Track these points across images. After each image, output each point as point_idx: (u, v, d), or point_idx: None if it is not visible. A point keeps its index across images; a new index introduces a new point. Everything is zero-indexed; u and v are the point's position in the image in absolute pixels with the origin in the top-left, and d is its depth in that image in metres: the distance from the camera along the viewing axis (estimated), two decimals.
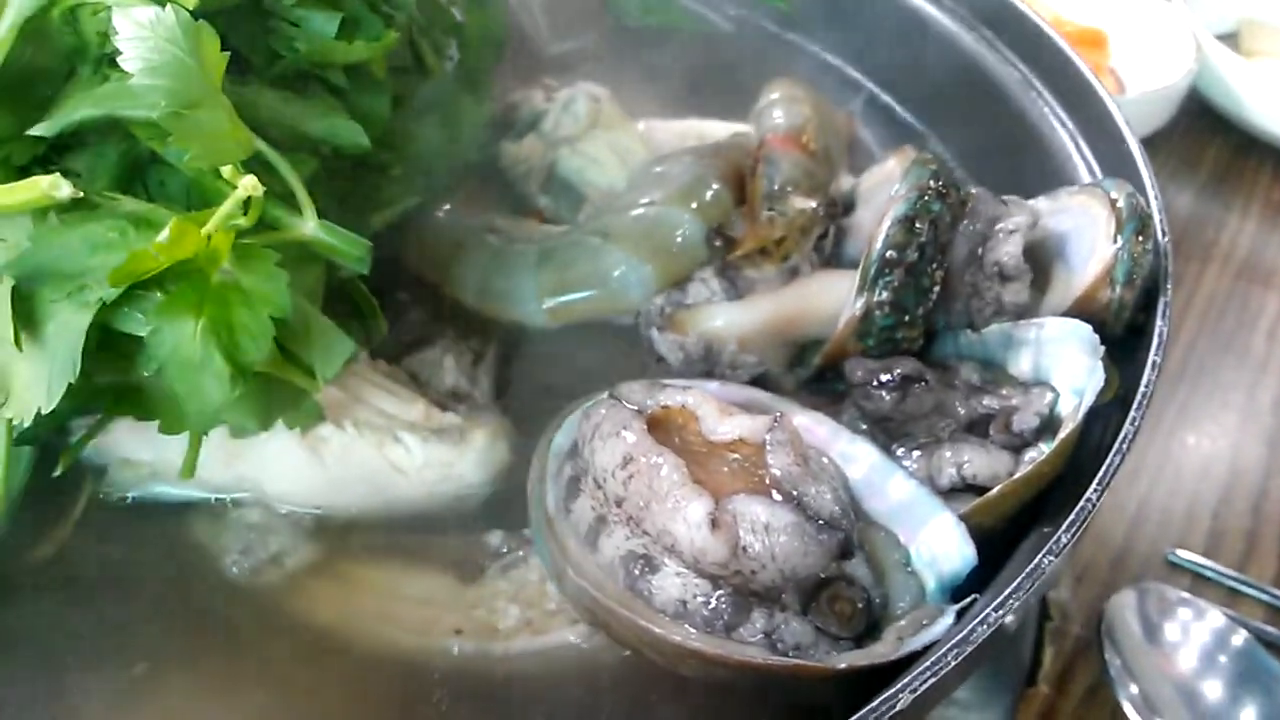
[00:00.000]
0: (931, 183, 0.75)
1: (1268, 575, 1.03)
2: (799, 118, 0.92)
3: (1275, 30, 1.65)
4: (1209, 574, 1.01)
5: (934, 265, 0.75)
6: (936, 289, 0.76)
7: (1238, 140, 1.56)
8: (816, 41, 1.28)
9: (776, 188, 0.82)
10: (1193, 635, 0.91)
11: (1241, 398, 1.21)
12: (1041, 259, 0.84)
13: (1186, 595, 0.94)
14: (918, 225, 0.74)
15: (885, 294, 0.75)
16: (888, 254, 0.74)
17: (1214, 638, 0.90)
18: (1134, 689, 0.87)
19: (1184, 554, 1.02)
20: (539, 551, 0.72)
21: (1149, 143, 1.52)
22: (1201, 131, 1.59)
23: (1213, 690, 0.87)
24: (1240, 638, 0.90)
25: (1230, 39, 1.65)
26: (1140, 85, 1.53)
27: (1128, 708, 0.86)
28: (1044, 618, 0.96)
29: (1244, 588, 1.00)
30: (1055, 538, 0.60)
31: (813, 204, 0.79)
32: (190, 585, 0.73)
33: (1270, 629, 0.96)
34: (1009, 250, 0.78)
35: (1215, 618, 0.92)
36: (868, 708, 0.52)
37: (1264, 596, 0.99)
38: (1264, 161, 1.54)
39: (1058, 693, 0.92)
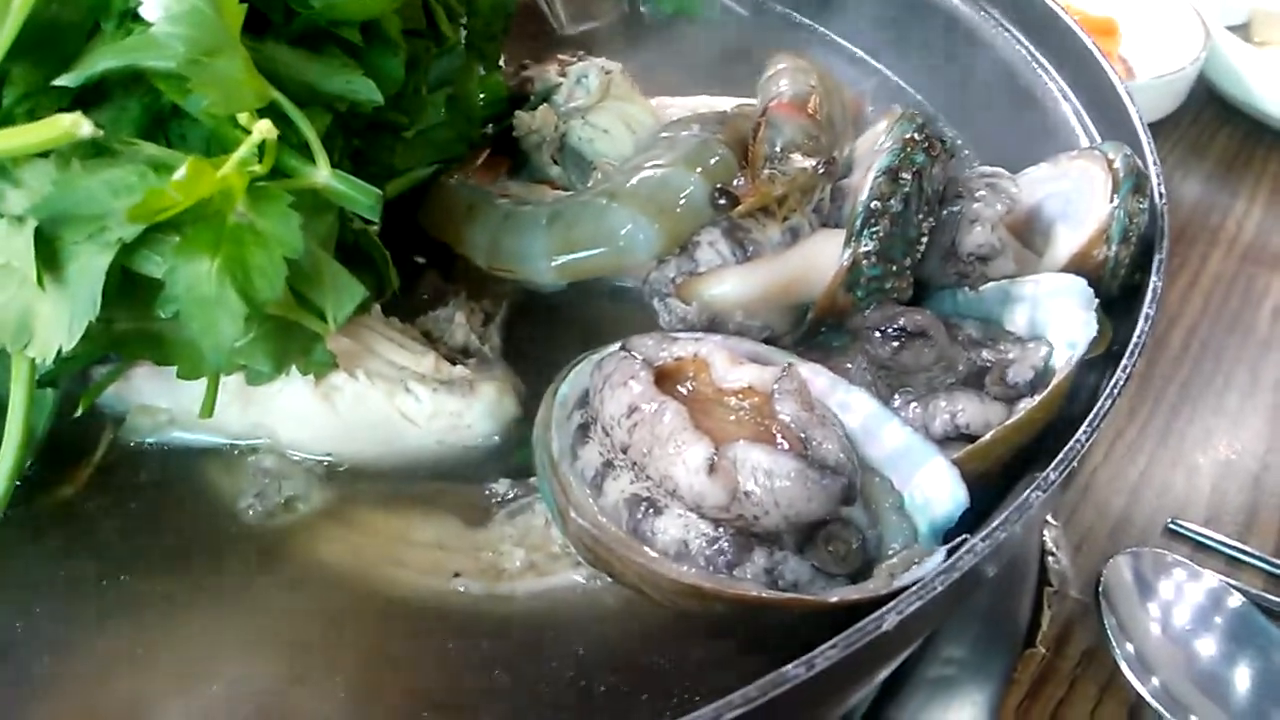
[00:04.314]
0: (915, 135, 0.78)
1: (1268, 547, 1.04)
2: (804, 86, 0.94)
3: None
4: (1208, 543, 1.02)
5: (920, 216, 0.78)
6: (925, 239, 0.78)
7: (1246, 127, 1.58)
8: (829, 24, 1.31)
9: (779, 149, 0.84)
10: (1188, 597, 0.92)
11: (1244, 376, 1.22)
12: (1042, 224, 0.86)
13: (1183, 559, 0.95)
14: (902, 176, 0.77)
15: (871, 244, 0.77)
16: (872, 205, 0.76)
17: (1210, 599, 0.91)
18: (1130, 648, 0.88)
19: (1184, 523, 1.03)
20: (543, 495, 0.74)
21: (1158, 128, 1.53)
22: (1211, 119, 1.61)
23: (1208, 650, 0.88)
24: (1236, 600, 0.91)
25: (1242, 30, 1.66)
26: (1150, 73, 1.55)
27: (1124, 667, 0.87)
28: (1043, 583, 0.98)
29: (1243, 556, 1.01)
30: (1044, 475, 0.62)
31: (812, 162, 0.81)
32: (205, 528, 0.75)
33: (1269, 596, 0.97)
34: (975, 242, 0.80)
35: (1211, 580, 0.93)
36: (855, 627, 0.54)
37: (1263, 565, 1.00)
38: (1272, 148, 1.55)
39: (1055, 654, 0.93)
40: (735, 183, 0.85)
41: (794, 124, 0.87)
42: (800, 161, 0.82)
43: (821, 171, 0.81)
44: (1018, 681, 0.90)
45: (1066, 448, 0.64)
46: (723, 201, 0.81)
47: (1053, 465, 0.63)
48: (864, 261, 0.77)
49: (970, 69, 1.14)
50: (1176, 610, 0.91)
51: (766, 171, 0.82)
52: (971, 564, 0.58)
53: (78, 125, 0.60)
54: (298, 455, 0.78)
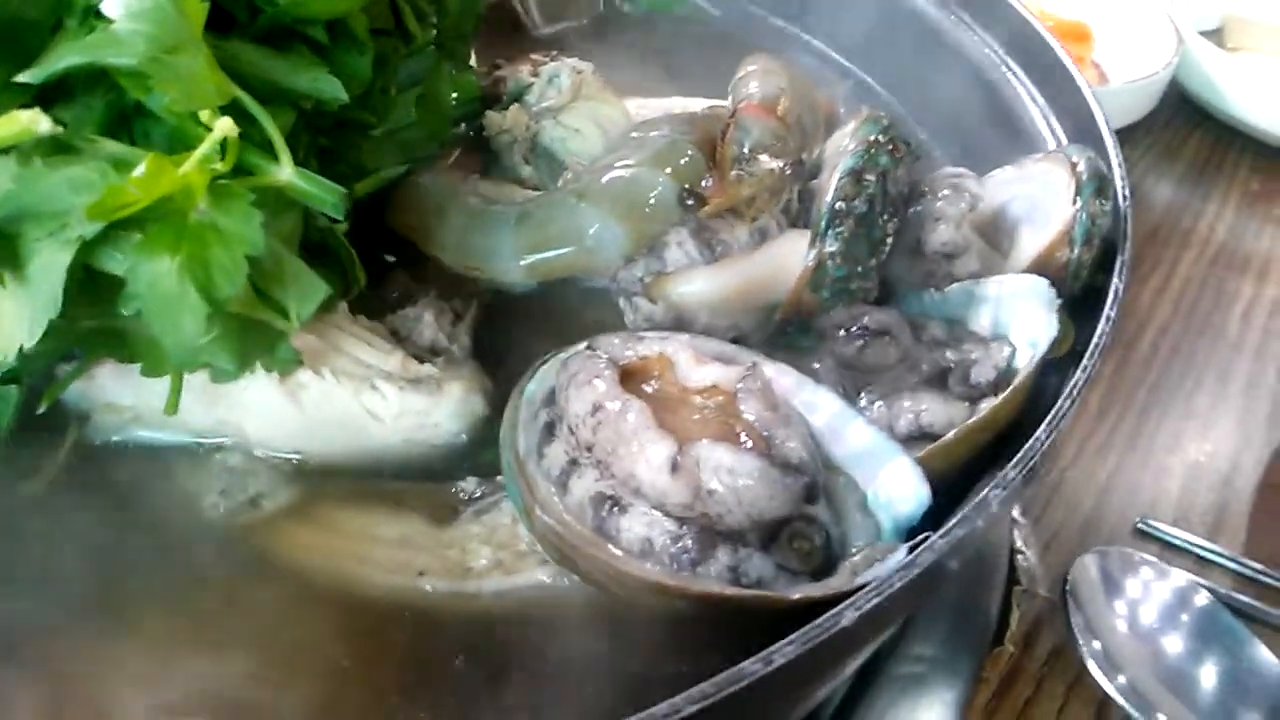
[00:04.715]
0: (880, 137, 0.78)
1: (1236, 547, 1.04)
2: (774, 89, 0.94)
3: (1258, 25, 1.68)
4: (1177, 542, 1.02)
5: (885, 217, 0.78)
6: (890, 240, 0.78)
7: (1218, 132, 1.59)
8: (802, 26, 1.31)
9: (746, 151, 0.84)
10: (1155, 594, 0.92)
11: (1213, 377, 1.23)
12: (1007, 225, 0.87)
13: (1150, 557, 0.96)
14: (866, 178, 0.77)
15: (836, 244, 0.77)
16: (837, 206, 0.77)
17: (1176, 597, 0.92)
18: (1096, 645, 0.89)
19: (1153, 523, 1.04)
20: (510, 494, 0.73)
21: (1131, 132, 1.55)
22: (1183, 123, 1.62)
23: (1175, 648, 0.89)
24: (1203, 598, 0.92)
25: (1215, 35, 1.67)
26: (1123, 77, 1.56)
27: (1090, 665, 0.88)
28: (1012, 582, 0.98)
29: (1211, 555, 1.02)
30: (1003, 473, 0.62)
31: (779, 164, 0.81)
32: (170, 525, 0.75)
33: (1237, 595, 0.97)
34: (940, 239, 0.81)
35: (1178, 578, 0.93)
36: (814, 623, 0.54)
37: (1230, 564, 1.01)
38: (1243, 152, 1.56)
39: (1023, 653, 0.93)
40: (703, 184, 0.85)
41: (762, 126, 0.87)
42: (768, 163, 0.83)
43: (788, 173, 0.81)
44: (986, 680, 0.91)
45: (1026, 446, 0.64)
46: (690, 202, 0.82)
47: (1012, 464, 0.63)
48: (829, 262, 0.77)
49: (942, 72, 1.14)
50: (1143, 609, 0.91)
51: (735, 173, 0.82)
52: (930, 561, 0.58)
53: (35, 121, 0.60)
54: (264, 453, 0.78)
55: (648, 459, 0.66)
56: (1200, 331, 1.29)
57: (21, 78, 0.66)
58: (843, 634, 0.54)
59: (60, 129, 0.62)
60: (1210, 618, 0.91)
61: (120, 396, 0.77)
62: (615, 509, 0.67)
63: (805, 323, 0.80)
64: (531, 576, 0.72)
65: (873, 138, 0.78)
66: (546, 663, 0.69)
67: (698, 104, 1.08)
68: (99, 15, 0.65)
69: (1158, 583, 0.93)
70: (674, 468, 0.65)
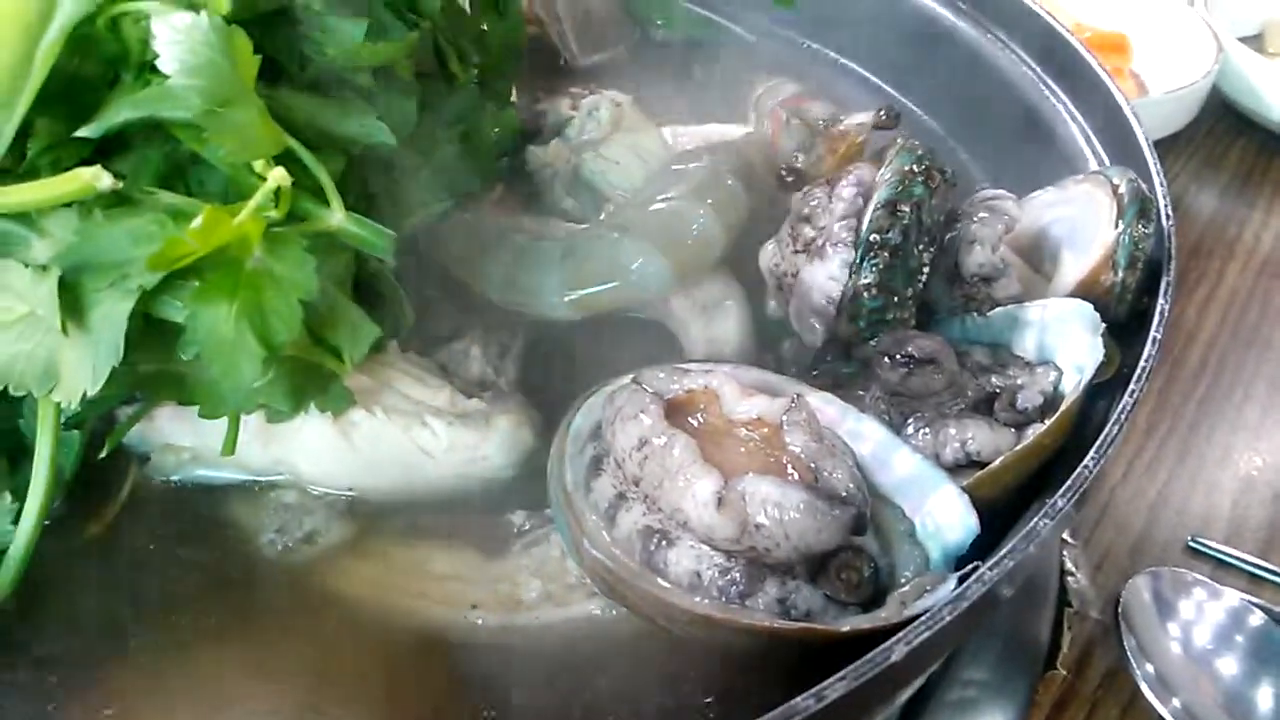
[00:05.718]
0: (915, 167, 0.78)
1: None
2: (796, 89, 0.96)
3: None
4: (1229, 560, 1.01)
5: (920, 247, 0.78)
6: (926, 269, 0.79)
7: (1261, 139, 1.57)
8: (838, 49, 1.32)
9: (821, 123, 0.85)
10: (1209, 616, 0.91)
11: (1264, 390, 1.21)
12: (1049, 248, 0.87)
13: (1203, 578, 0.95)
14: (900, 208, 0.77)
15: (871, 276, 0.77)
16: (871, 237, 0.77)
17: (1230, 618, 0.91)
18: (1150, 669, 0.88)
19: (1204, 541, 1.03)
20: (558, 527, 0.75)
21: (1172, 142, 1.54)
22: (1225, 131, 1.61)
23: (1230, 670, 0.88)
24: (1257, 618, 0.91)
25: (1255, 41, 1.66)
26: (1163, 88, 1.55)
27: (1144, 688, 0.87)
28: (1063, 604, 0.97)
29: (1265, 574, 1.01)
30: (1052, 502, 0.62)
31: (869, 115, 0.82)
32: (228, 562, 0.77)
33: None
34: (976, 262, 0.81)
35: (1231, 598, 0.93)
36: (864, 658, 0.54)
37: None
38: None
39: (1076, 676, 0.93)
40: (797, 159, 0.86)
41: (808, 110, 0.89)
42: (857, 118, 0.83)
43: (884, 116, 0.81)
44: (1038, 704, 0.90)
45: (1074, 474, 0.64)
46: (791, 179, 0.82)
47: (1060, 492, 0.63)
48: (865, 294, 0.78)
49: (979, 92, 1.14)
50: (1197, 630, 0.91)
51: (840, 127, 0.83)
52: (980, 593, 0.58)
53: (97, 178, 0.62)
54: (318, 490, 0.80)
55: (694, 493, 0.66)
56: (1248, 343, 1.28)
57: (82, 133, 0.68)
58: (893, 669, 0.55)
59: (119, 183, 0.64)
60: (1265, 638, 0.90)
61: (179, 437, 0.79)
62: (663, 542, 0.68)
63: (844, 352, 0.81)
64: (581, 609, 0.73)
65: (907, 168, 0.78)
66: (596, 694, 0.69)
67: (736, 131, 1.10)
68: (154, 70, 0.67)
69: (1211, 603, 0.92)
70: (720, 502, 0.65)
